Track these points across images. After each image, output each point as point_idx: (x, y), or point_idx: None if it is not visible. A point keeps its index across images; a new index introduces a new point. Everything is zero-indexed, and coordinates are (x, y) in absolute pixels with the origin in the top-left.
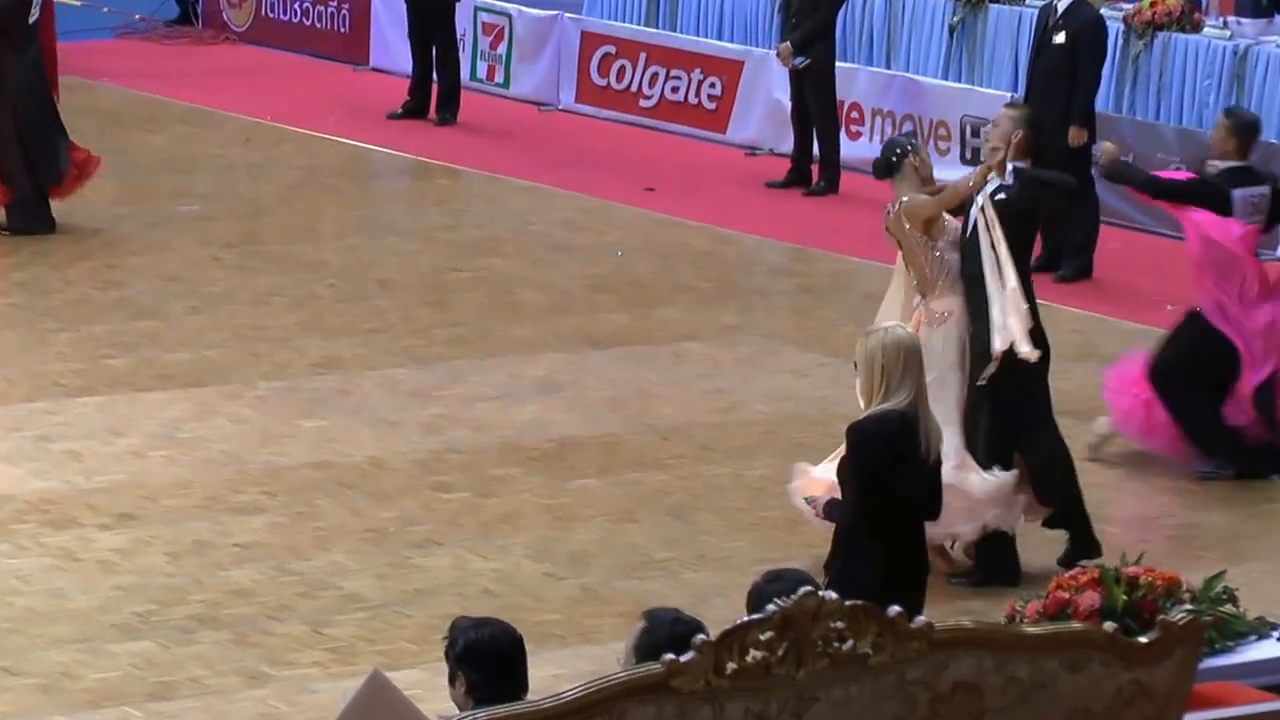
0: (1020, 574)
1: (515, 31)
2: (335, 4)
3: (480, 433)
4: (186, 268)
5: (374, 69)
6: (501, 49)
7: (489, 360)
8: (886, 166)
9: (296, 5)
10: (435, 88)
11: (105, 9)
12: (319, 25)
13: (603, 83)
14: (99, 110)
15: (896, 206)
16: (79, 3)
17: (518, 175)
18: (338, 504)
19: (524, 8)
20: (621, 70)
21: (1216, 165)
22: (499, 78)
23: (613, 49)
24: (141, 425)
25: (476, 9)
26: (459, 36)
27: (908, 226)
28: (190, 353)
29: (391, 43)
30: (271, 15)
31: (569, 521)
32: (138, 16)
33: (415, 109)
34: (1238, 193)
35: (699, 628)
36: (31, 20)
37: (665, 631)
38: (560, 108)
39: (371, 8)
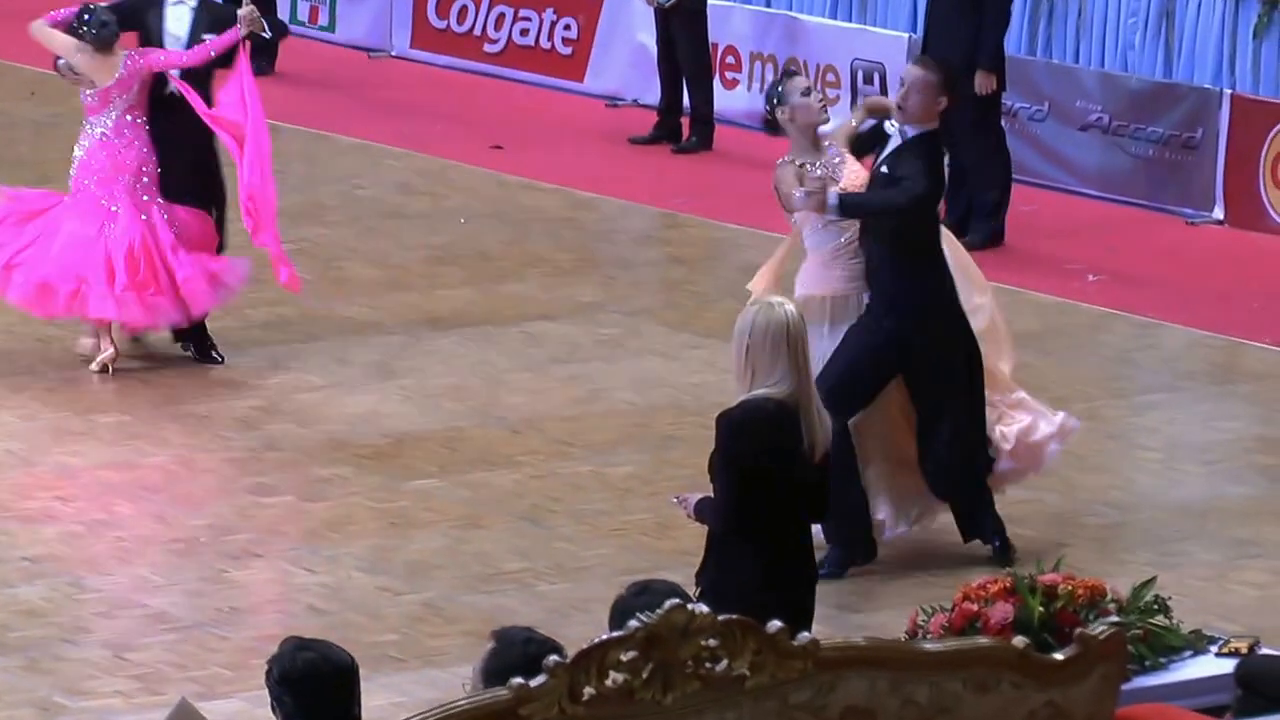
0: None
1: None
2: None
3: (304, 427)
4: None
5: None
6: None
7: (312, 344)
8: (767, 125)
9: None
10: None
11: None
12: None
13: (441, 25)
14: None
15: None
16: None
17: (344, 132)
18: (141, 510)
19: None
20: (463, 10)
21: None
22: (322, 19)
23: None
24: None
25: None
26: None
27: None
28: None
29: None
30: None
31: (407, 528)
32: None
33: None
34: None
35: (556, 648)
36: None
37: (517, 652)
38: (393, 54)
39: None
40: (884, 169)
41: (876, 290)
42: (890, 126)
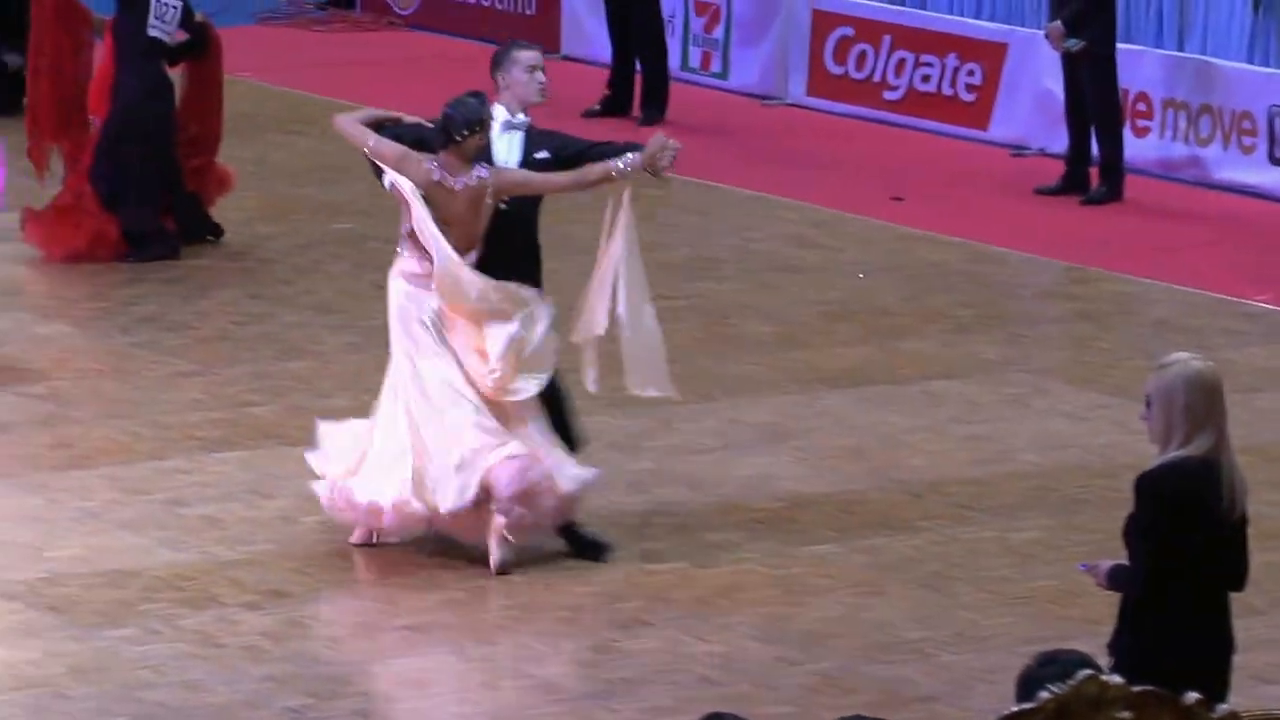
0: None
1: (734, 11)
2: None
3: (696, 490)
4: (343, 296)
5: (566, 57)
6: (718, 32)
7: (705, 404)
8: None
9: None
10: (639, 79)
11: None
12: (499, 6)
13: (839, 71)
14: (235, 110)
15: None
16: None
17: (737, 183)
18: (528, 578)
19: None
20: (861, 56)
21: None
22: (715, 66)
23: (850, 31)
24: (292, 485)
25: None
26: (666, 18)
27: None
28: (348, 398)
29: (587, 26)
30: None
31: (802, 595)
32: None
33: (615, 104)
34: None
35: None
36: (150, 34)
37: None
38: (788, 101)
39: None
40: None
41: None
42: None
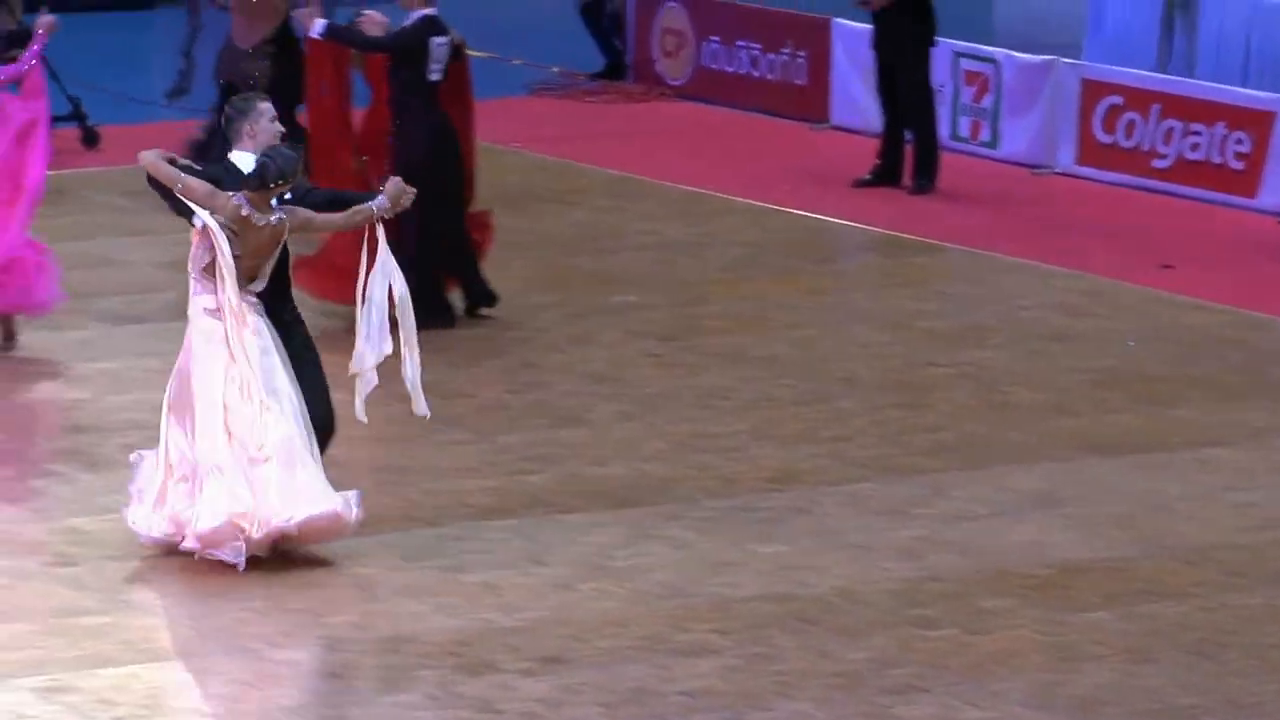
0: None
1: (1003, 81)
2: (789, 52)
3: (966, 557)
4: (616, 365)
5: (835, 127)
6: (987, 101)
7: (975, 471)
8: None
9: (743, 54)
10: (909, 149)
11: (517, 61)
12: (769, 77)
13: (1108, 140)
14: (509, 180)
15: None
16: (485, 54)
17: (1007, 251)
18: (800, 643)
19: (1013, 52)
20: (1130, 125)
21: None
22: (984, 135)
23: (1119, 100)
24: (567, 552)
25: (957, 55)
26: (936, 87)
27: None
28: (623, 466)
29: (856, 96)
30: (713, 66)
31: (1075, 661)
32: (556, 69)
33: (885, 174)
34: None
35: None
36: (431, 79)
37: None
38: (1057, 170)
39: (832, 55)
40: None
41: None
42: None
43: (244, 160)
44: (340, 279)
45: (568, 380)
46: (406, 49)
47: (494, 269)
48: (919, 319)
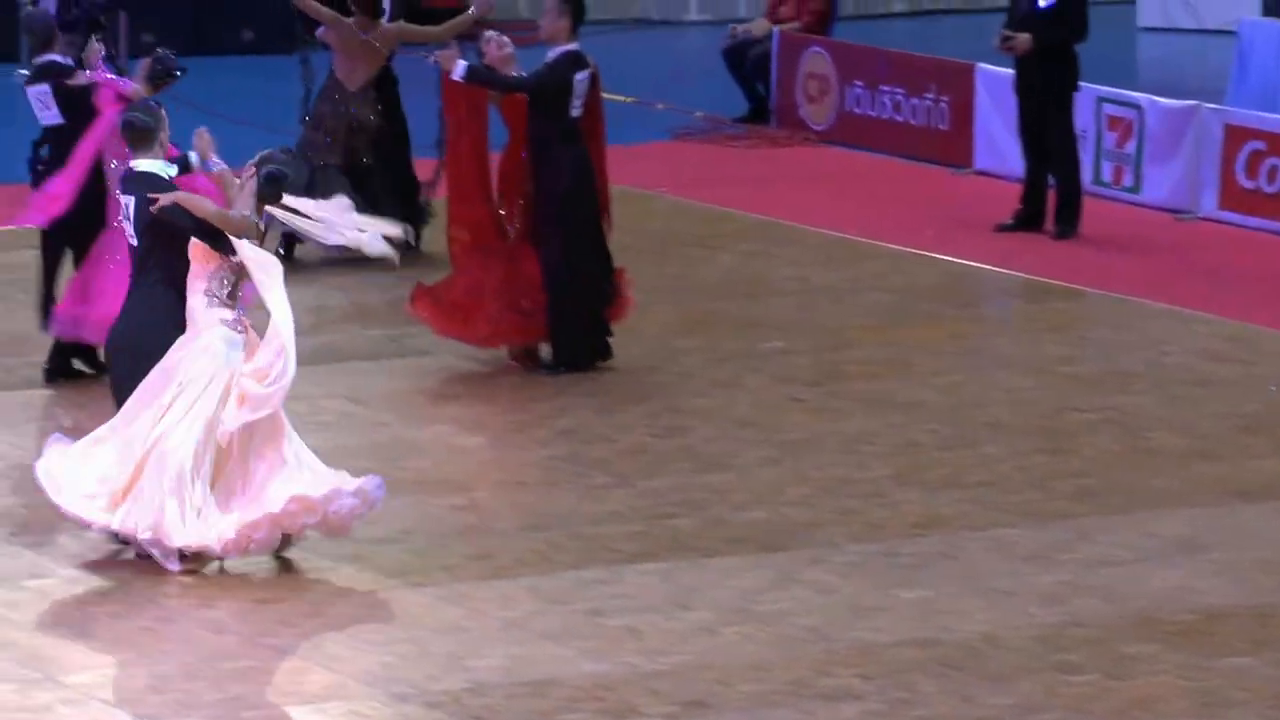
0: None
1: (1146, 126)
2: (932, 97)
3: (1110, 603)
4: (760, 410)
5: (978, 172)
6: (1130, 147)
7: (1119, 517)
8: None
9: (886, 99)
10: (1052, 193)
11: (660, 106)
12: (913, 122)
13: (1251, 185)
14: (653, 226)
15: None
16: (629, 99)
17: (1150, 296)
18: (943, 688)
19: (1156, 98)
20: (1273, 170)
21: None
22: (1127, 180)
23: (1262, 145)
24: (711, 596)
25: (1100, 100)
26: (1079, 133)
27: None
28: (767, 510)
29: (999, 141)
30: (856, 111)
31: (1218, 708)
32: (699, 114)
33: (1028, 219)
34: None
35: None
36: (573, 114)
37: None
38: (1200, 215)
39: (975, 101)
40: None
41: None
42: None
43: (155, 167)
44: (463, 318)
45: (712, 425)
46: (551, 89)
47: (638, 313)
48: (1062, 364)
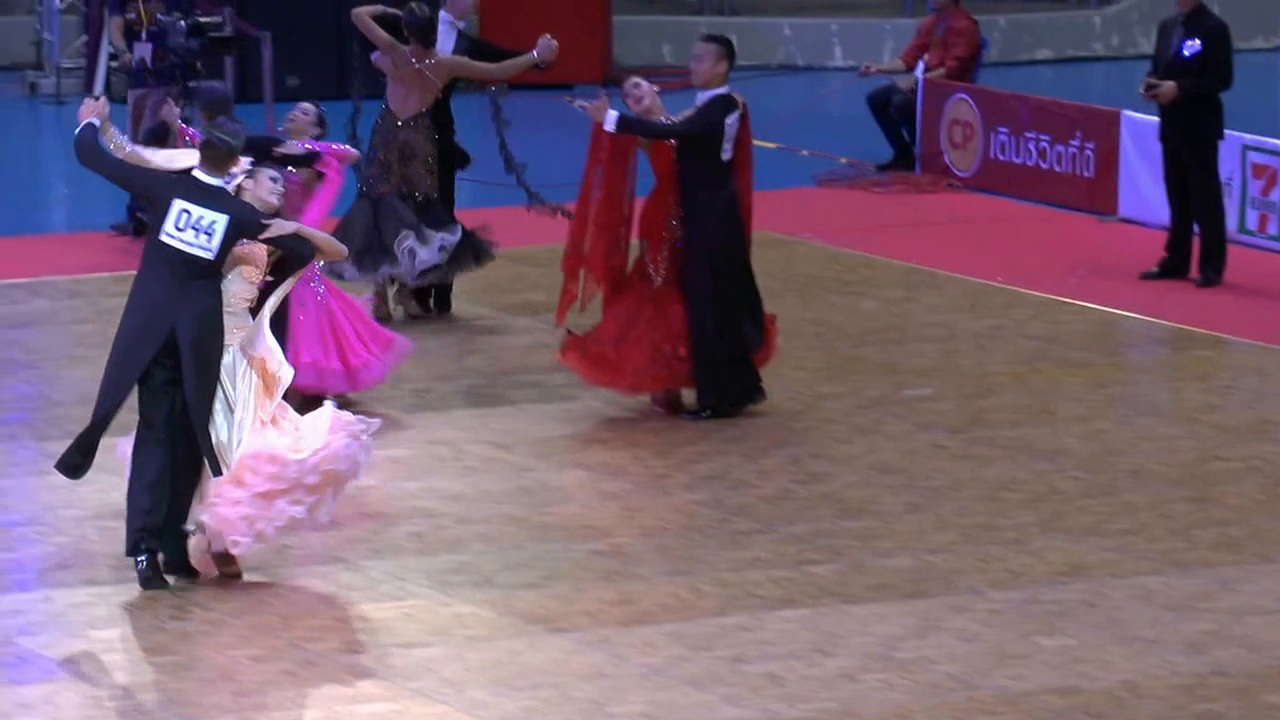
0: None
1: None
2: (1077, 144)
3: (1255, 652)
4: (903, 457)
5: (1123, 219)
6: (1276, 195)
7: (1264, 565)
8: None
9: (1031, 146)
10: (1197, 241)
11: (805, 152)
12: (1057, 169)
13: None
14: (797, 271)
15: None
16: (774, 145)
17: None
18: None
19: None
20: None
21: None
22: (1272, 229)
23: None
24: (853, 643)
25: (1245, 148)
26: (1224, 180)
27: None
28: (909, 557)
29: (1144, 189)
30: (1001, 158)
31: None
32: (844, 160)
33: (1173, 267)
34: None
35: None
36: (725, 158)
37: None
38: None
39: (1120, 148)
40: None
41: None
42: None
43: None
44: (613, 367)
45: (855, 471)
46: (704, 134)
47: (782, 358)
48: (1206, 412)
